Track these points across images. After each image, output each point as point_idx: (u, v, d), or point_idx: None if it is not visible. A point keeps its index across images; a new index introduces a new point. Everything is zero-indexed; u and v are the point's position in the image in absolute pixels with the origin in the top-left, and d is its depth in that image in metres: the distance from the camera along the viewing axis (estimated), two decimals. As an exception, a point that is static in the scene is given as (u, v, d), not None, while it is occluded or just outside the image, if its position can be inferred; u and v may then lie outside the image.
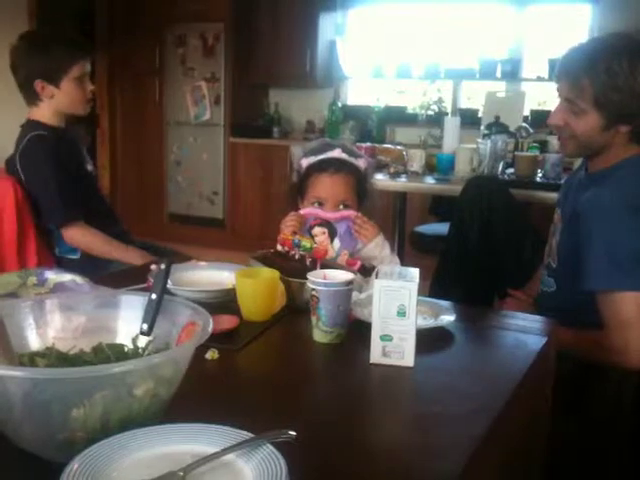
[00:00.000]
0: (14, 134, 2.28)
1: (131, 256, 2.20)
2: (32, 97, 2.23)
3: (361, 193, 1.81)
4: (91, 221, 2.26)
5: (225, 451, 0.76)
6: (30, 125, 2.26)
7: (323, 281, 1.26)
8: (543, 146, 3.56)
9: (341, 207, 1.75)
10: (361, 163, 1.82)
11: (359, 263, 1.54)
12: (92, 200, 2.31)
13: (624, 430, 1.60)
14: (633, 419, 1.59)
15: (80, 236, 2.23)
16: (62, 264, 2.21)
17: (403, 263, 1.80)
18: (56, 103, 2.22)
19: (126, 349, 0.96)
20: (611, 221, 1.55)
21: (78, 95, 2.21)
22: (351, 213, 1.74)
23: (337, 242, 1.72)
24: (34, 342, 0.95)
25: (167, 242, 2.80)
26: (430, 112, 5.45)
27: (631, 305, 1.51)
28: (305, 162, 1.82)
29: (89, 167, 2.31)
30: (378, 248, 1.72)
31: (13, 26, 5.29)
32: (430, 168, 3.32)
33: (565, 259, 1.71)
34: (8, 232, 2.19)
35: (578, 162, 2.51)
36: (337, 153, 1.79)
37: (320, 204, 1.76)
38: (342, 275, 1.30)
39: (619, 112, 1.56)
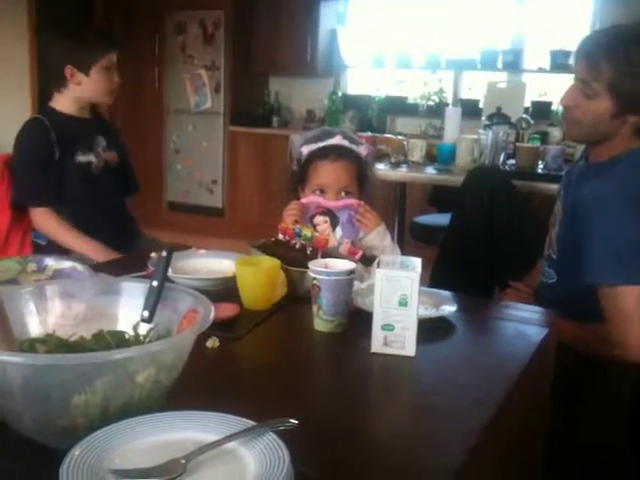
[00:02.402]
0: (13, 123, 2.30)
1: (90, 250, 2.19)
2: (58, 83, 2.27)
3: (362, 180, 1.81)
4: (77, 210, 2.27)
5: (227, 439, 0.75)
6: (42, 111, 2.32)
7: (324, 270, 1.25)
8: (544, 137, 3.56)
9: (343, 194, 1.75)
10: (362, 150, 1.81)
11: (360, 252, 1.53)
12: (77, 190, 2.28)
13: (624, 423, 1.60)
14: (633, 412, 1.59)
15: (43, 221, 2.25)
16: (33, 248, 2.26)
17: (403, 253, 1.80)
18: (81, 91, 2.26)
19: (127, 336, 0.95)
20: (611, 214, 1.55)
21: (104, 84, 2.26)
22: (353, 201, 1.73)
23: (339, 231, 1.71)
24: (34, 328, 0.95)
25: (165, 231, 2.81)
26: (431, 102, 5.43)
27: (632, 299, 1.50)
28: (305, 149, 1.81)
29: (81, 158, 2.27)
30: (379, 238, 1.71)
31: (12, 19, 5.29)
32: (431, 158, 3.32)
33: (565, 251, 1.71)
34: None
35: (579, 154, 2.51)
36: (338, 140, 1.78)
37: (322, 191, 1.75)
38: (343, 264, 1.30)
39: (632, 99, 1.56)
